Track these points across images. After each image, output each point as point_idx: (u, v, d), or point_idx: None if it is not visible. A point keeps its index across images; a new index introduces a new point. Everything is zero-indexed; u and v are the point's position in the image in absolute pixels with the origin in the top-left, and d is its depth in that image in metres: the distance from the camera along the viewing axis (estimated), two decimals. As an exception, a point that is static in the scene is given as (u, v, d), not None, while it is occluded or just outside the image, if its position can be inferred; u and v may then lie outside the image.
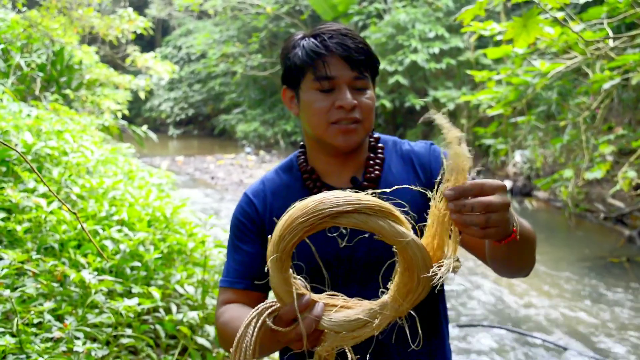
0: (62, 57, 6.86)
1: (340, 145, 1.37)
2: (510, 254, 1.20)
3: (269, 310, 1.07)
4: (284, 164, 1.53)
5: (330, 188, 1.40)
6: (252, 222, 1.44)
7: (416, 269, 1.01)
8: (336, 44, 1.34)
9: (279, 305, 1.06)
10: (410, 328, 1.39)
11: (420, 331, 1.40)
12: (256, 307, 1.08)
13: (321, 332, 1.05)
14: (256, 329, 1.05)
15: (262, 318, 1.06)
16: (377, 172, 1.43)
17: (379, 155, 1.47)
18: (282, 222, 1.00)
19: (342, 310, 1.06)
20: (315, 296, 1.07)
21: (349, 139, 1.36)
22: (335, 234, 1.28)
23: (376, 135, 1.51)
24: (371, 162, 1.45)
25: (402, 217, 1.02)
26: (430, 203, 1.06)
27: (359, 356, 1.12)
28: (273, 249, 1.01)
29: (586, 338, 4.48)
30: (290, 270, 1.05)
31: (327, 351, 1.06)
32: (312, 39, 1.36)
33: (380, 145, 1.49)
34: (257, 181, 1.52)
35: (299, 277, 1.08)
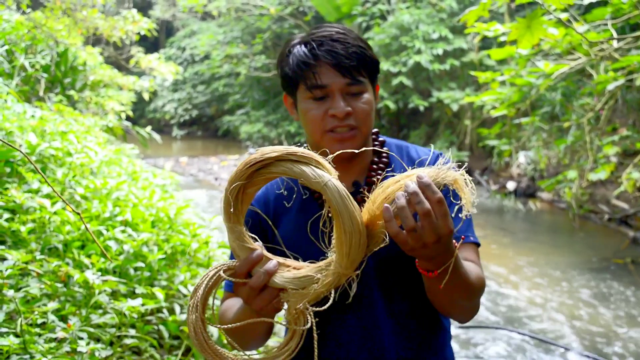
0: (66, 58, 6.88)
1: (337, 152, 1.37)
2: (446, 293, 1.21)
3: (227, 266, 1.13)
4: None
5: None
6: (252, 227, 1.44)
7: (339, 214, 1.03)
8: (325, 51, 1.32)
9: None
10: (409, 330, 1.40)
11: (419, 333, 1.41)
12: (217, 263, 1.16)
13: (277, 291, 1.09)
14: (211, 279, 1.11)
15: (218, 269, 1.12)
16: (379, 177, 1.41)
17: (383, 159, 1.46)
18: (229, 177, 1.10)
19: (293, 270, 1.12)
20: (271, 255, 1.12)
21: (345, 146, 1.34)
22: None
23: (382, 138, 1.50)
24: (374, 166, 1.45)
25: (326, 164, 1.06)
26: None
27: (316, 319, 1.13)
28: (223, 202, 1.09)
29: (590, 339, 4.46)
30: (244, 229, 1.12)
31: (292, 315, 1.10)
32: (303, 47, 1.35)
33: (385, 149, 1.48)
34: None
35: (257, 240, 1.14)
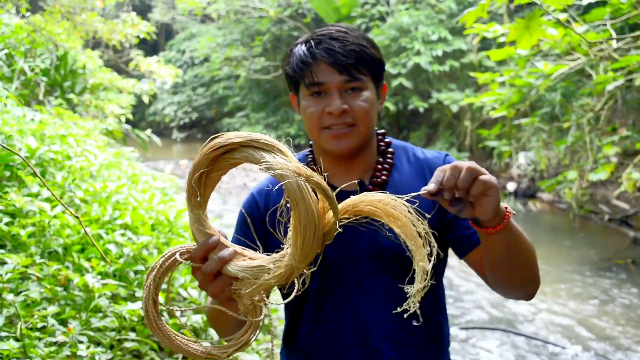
0: (65, 61, 6.89)
1: (333, 150, 1.38)
2: (510, 255, 1.21)
3: (184, 249, 1.12)
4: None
5: (335, 189, 1.40)
6: (253, 219, 1.46)
7: (296, 205, 1.02)
8: (323, 49, 1.34)
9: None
10: (409, 334, 1.39)
11: (419, 340, 1.41)
12: (176, 246, 1.15)
13: (230, 279, 1.08)
14: (167, 261, 1.10)
15: (175, 253, 1.11)
16: (384, 177, 1.43)
17: (388, 160, 1.46)
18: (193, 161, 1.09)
19: (248, 260, 1.11)
20: (229, 243, 1.12)
21: (341, 143, 1.36)
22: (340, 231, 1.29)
23: (388, 139, 1.50)
24: (379, 166, 1.45)
25: (289, 153, 1.05)
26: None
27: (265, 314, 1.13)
28: (186, 185, 1.09)
29: (591, 340, 4.45)
30: (205, 214, 1.12)
31: (246, 306, 1.09)
32: (303, 47, 1.37)
33: (390, 150, 1.48)
34: (265, 179, 1.53)
35: (219, 230, 1.13)
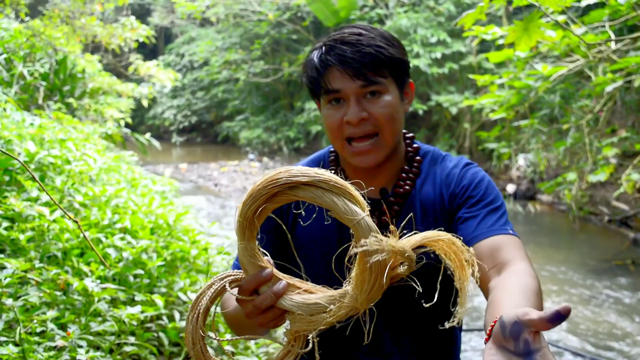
0: (65, 65, 6.89)
1: (358, 166, 1.33)
2: None
3: (232, 278, 1.08)
4: (315, 158, 1.50)
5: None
6: (269, 217, 1.44)
7: (366, 254, 0.96)
8: (334, 56, 1.27)
9: (243, 275, 1.07)
10: (420, 341, 1.38)
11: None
12: (221, 273, 1.11)
13: (282, 311, 1.04)
14: (214, 291, 1.07)
15: (223, 282, 1.07)
16: (407, 187, 1.37)
17: (414, 169, 1.40)
18: (248, 191, 1.03)
19: (304, 293, 1.06)
20: (281, 275, 1.07)
21: (366, 159, 1.31)
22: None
23: (416, 144, 1.43)
24: (404, 174, 1.39)
25: (359, 197, 0.99)
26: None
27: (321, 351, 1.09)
28: (238, 216, 1.03)
29: (591, 341, 4.45)
30: (257, 243, 1.06)
31: (292, 334, 1.06)
32: (316, 54, 1.32)
33: (417, 158, 1.41)
34: None
35: (267, 255, 1.08)
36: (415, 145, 1.43)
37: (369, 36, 1.28)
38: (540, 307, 1.05)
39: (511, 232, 1.25)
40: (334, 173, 1.38)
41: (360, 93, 1.28)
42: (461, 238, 1.02)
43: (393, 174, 1.39)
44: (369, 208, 0.99)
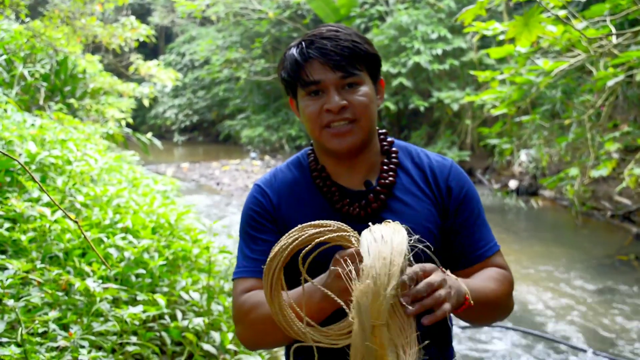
0: (65, 66, 6.89)
1: (336, 148, 1.37)
2: (476, 317, 1.34)
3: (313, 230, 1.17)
4: (294, 160, 1.53)
5: (342, 188, 1.43)
6: (266, 211, 1.44)
7: (364, 330, 1.06)
8: (314, 49, 1.34)
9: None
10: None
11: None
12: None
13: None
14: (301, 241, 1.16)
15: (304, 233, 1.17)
16: (391, 179, 1.42)
17: (393, 160, 1.45)
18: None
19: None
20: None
21: (343, 141, 1.36)
22: None
23: (390, 139, 1.49)
24: (385, 167, 1.44)
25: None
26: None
27: None
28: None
29: (594, 336, 4.44)
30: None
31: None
32: (295, 49, 1.38)
33: (394, 149, 1.47)
34: (268, 172, 1.52)
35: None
36: (389, 140, 1.49)
37: (346, 32, 1.36)
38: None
39: (496, 245, 1.46)
40: (314, 171, 1.45)
41: (340, 84, 1.34)
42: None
43: (372, 166, 1.45)
44: (425, 244, 1.16)
